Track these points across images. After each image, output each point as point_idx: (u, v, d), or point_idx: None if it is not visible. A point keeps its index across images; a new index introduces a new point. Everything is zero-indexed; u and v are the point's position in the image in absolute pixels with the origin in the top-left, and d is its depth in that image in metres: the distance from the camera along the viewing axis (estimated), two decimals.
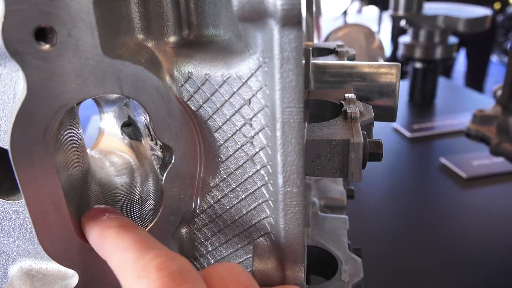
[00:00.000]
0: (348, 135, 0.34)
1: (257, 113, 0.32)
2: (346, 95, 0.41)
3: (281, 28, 0.26)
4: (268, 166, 0.33)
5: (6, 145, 0.34)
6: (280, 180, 0.31)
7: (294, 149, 0.30)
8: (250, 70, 0.30)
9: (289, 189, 0.31)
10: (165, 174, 0.36)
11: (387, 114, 0.46)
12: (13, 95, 0.32)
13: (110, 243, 0.30)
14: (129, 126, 0.53)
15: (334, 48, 0.58)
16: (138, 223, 0.39)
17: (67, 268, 0.36)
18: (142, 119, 0.45)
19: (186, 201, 0.39)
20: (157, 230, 0.38)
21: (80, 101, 0.31)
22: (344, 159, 0.34)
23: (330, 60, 0.51)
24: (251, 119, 0.32)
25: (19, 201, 0.35)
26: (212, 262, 0.42)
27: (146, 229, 0.38)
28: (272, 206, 0.34)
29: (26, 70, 0.27)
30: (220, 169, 0.36)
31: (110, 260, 0.30)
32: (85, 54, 0.29)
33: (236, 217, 0.37)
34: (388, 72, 0.46)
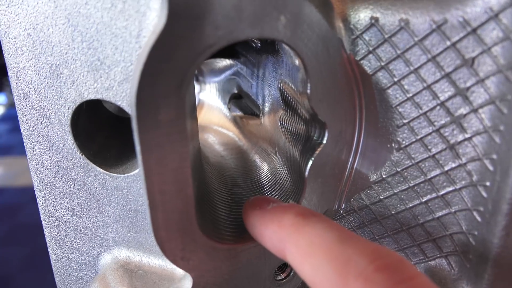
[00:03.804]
0: None
1: (483, 79, 0.21)
2: None
3: None
4: (486, 161, 0.22)
5: (119, 100, 0.26)
6: None
7: None
8: (489, 10, 0.20)
9: None
10: (312, 159, 0.27)
11: None
12: (138, 32, 0.23)
13: (304, 238, 0.21)
14: (239, 99, 0.44)
15: None
16: None
17: (175, 267, 0.28)
18: (268, 90, 0.36)
19: (329, 197, 0.29)
20: None
21: (228, 44, 0.22)
22: None
23: None
24: (468, 88, 0.22)
25: (126, 175, 0.28)
26: None
27: None
28: (478, 218, 0.23)
29: None
30: (393, 158, 0.26)
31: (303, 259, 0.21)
32: None
33: (403, 227, 0.27)
34: None
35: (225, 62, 0.45)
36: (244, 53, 0.40)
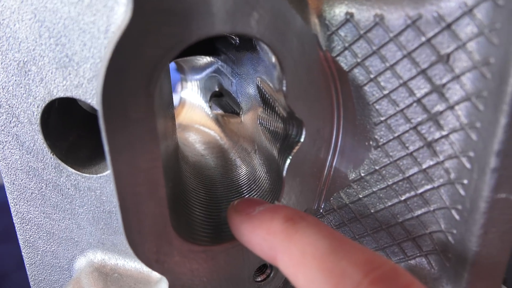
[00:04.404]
0: None
1: (459, 76, 0.21)
2: None
3: None
4: (464, 158, 0.22)
5: (89, 98, 0.25)
6: (492, 180, 0.20)
7: None
8: (463, 5, 0.19)
9: (504, 196, 0.20)
10: (289, 158, 0.27)
11: None
12: (106, 27, 0.23)
13: (296, 246, 0.21)
14: (220, 97, 0.43)
15: None
16: None
17: (151, 270, 0.27)
18: (247, 88, 0.35)
19: (308, 196, 0.29)
20: None
21: (198, 40, 0.21)
22: None
23: None
24: (444, 85, 0.21)
25: (99, 175, 0.27)
26: None
27: None
28: (457, 217, 0.23)
29: None
30: (371, 156, 0.25)
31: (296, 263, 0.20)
32: None
33: (382, 226, 0.27)
34: None
35: (206, 59, 0.44)
36: (224, 50, 0.40)
